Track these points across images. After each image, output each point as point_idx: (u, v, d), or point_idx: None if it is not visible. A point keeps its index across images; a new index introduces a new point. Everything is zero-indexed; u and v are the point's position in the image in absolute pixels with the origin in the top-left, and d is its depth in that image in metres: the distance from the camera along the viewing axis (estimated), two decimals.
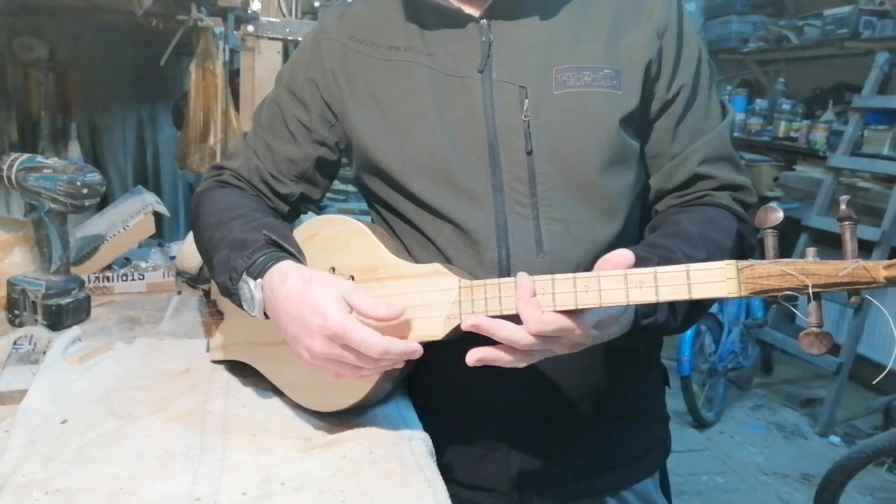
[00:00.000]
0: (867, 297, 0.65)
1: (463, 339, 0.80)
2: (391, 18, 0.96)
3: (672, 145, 0.93)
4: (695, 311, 0.87)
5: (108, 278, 1.41)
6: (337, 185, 3.07)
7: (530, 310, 0.70)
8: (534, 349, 0.72)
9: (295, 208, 1.04)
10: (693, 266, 0.66)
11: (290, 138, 1.00)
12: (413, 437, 0.83)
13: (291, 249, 0.85)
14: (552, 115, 0.88)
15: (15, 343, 1.10)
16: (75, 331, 1.14)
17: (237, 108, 1.79)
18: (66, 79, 2.13)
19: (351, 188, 3.09)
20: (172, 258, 1.53)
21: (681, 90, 0.92)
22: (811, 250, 0.65)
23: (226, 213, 0.93)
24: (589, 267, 0.87)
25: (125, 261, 1.52)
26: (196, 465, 0.78)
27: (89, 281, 1.38)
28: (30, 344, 1.10)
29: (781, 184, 4.14)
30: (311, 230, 0.92)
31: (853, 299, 0.64)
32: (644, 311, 0.80)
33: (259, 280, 0.81)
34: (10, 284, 1.21)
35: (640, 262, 0.70)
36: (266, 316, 0.82)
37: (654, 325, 0.82)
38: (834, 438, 3.25)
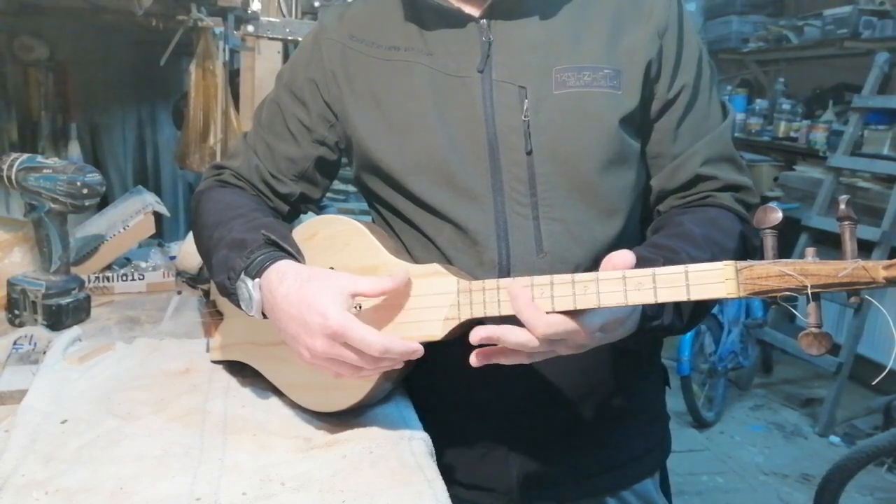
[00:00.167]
0: (867, 297, 0.65)
1: (463, 339, 0.80)
2: (391, 18, 0.96)
3: (673, 145, 0.93)
4: (699, 311, 0.87)
5: (108, 278, 1.41)
6: (337, 185, 3.07)
7: (534, 314, 0.70)
8: (538, 350, 0.72)
9: (295, 208, 1.04)
10: (692, 267, 0.66)
11: (290, 138, 1.00)
12: (413, 437, 0.83)
13: (290, 249, 0.85)
14: (552, 115, 0.88)
15: (15, 343, 1.10)
16: (75, 331, 1.14)
17: (237, 108, 1.79)
18: (66, 79, 2.13)
19: (351, 188, 3.08)
20: (172, 258, 1.53)
21: (682, 90, 0.92)
22: (810, 250, 0.65)
23: (225, 213, 0.93)
24: (589, 267, 0.87)
25: (125, 261, 1.52)
26: (196, 465, 0.78)
27: (89, 281, 1.38)
28: (30, 344, 1.10)
29: (781, 184, 4.14)
30: (310, 230, 0.92)
31: (853, 299, 0.64)
32: (650, 313, 0.80)
33: (257, 280, 0.81)
34: (10, 284, 1.21)
35: (643, 263, 0.70)
36: (264, 316, 0.82)
37: (660, 326, 0.82)
38: (834, 438, 3.25)
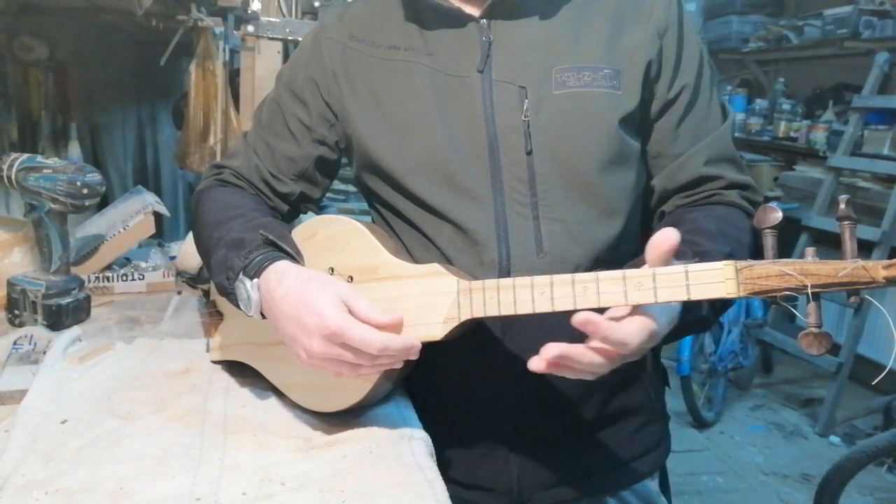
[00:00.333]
0: (867, 297, 0.65)
1: (463, 339, 0.80)
2: (391, 18, 0.96)
3: (674, 145, 0.93)
4: (726, 301, 0.85)
5: (108, 278, 1.41)
6: (337, 185, 3.07)
7: (624, 332, 0.67)
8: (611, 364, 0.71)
9: (295, 207, 1.04)
10: (692, 267, 0.66)
11: (291, 137, 1.00)
12: (413, 437, 0.83)
13: (289, 249, 0.85)
14: (552, 115, 0.88)
15: (15, 343, 1.10)
16: (75, 331, 1.14)
17: (237, 108, 1.79)
18: (66, 79, 2.13)
19: (351, 188, 3.08)
20: (172, 258, 1.53)
21: (682, 90, 0.92)
22: (810, 250, 0.65)
23: (225, 213, 0.93)
24: (589, 267, 0.87)
25: (125, 261, 1.52)
26: (196, 465, 0.78)
27: (89, 281, 1.38)
28: (30, 344, 1.10)
29: (781, 184, 4.14)
30: (310, 230, 0.92)
31: (853, 299, 0.64)
32: (689, 305, 0.78)
33: (255, 280, 0.81)
34: (10, 284, 1.21)
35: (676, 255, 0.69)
36: (263, 316, 0.82)
37: (698, 317, 0.81)
38: (834, 438, 3.25)
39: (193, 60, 1.73)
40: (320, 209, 1.15)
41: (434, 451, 0.83)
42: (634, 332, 0.68)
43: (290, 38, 1.73)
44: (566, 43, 0.90)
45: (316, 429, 0.87)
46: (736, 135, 1.36)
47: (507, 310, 0.73)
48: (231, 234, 0.87)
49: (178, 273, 1.46)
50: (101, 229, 1.47)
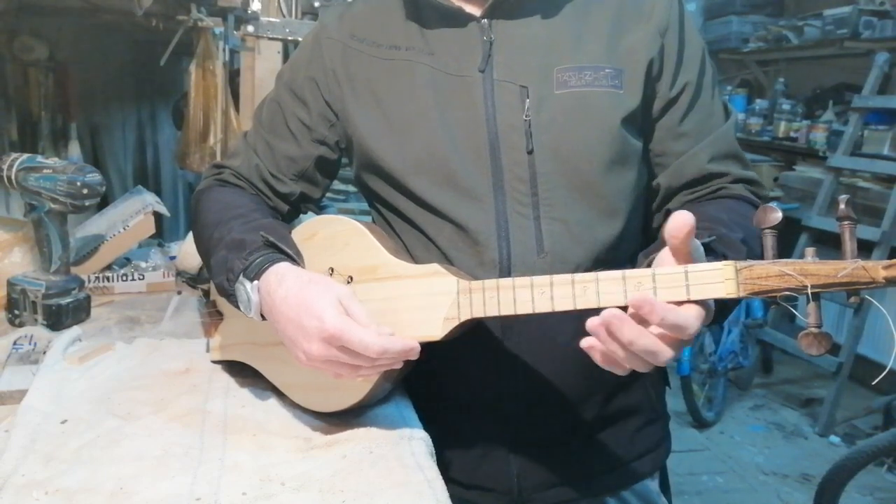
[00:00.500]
0: (867, 297, 0.65)
1: (463, 339, 0.80)
2: (392, 18, 0.96)
3: (677, 144, 0.93)
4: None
5: (108, 278, 1.41)
6: (337, 185, 3.07)
7: (683, 317, 0.65)
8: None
9: (295, 207, 1.04)
10: (691, 267, 0.66)
11: (291, 137, 1.00)
12: (413, 437, 0.83)
13: (289, 251, 0.85)
14: (553, 115, 0.88)
15: (15, 343, 1.10)
16: (75, 331, 1.14)
17: (237, 108, 1.79)
18: (66, 79, 2.13)
19: (351, 188, 3.08)
20: (172, 258, 1.53)
21: (685, 88, 0.92)
22: (810, 250, 0.65)
23: (225, 213, 0.93)
24: (589, 267, 0.87)
25: (125, 261, 1.52)
26: (196, 465, 0.78)
27: (89, 281, 1.38)
28: (30, 344, 1.10)
29: (781, 184, 4.14)
30: (310, 230, 0.92)
31: (853, 299, 0.64)
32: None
33: (255, 282, 0.81)
34: (10, 284, 1.21)
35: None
36: (263, 317, 0.82)
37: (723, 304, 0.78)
38: (834, 438, 3.25)
39: (193, 60, 1.73)
40: (320, 209, 1.15)
41: (434, 451, 0.83)
42: (694, 316, 0.65)
43: (290, 38, 1.73)
44: (567, 42, 0.90)
45: (316, 429, 0.87)
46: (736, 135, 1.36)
47: (506, 310, 0.73)
48: (231, 235, 0.87)
49: (178, 273, 1.46)
50: (101, 229, 1.47)
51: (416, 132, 0.91)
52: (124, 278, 1.42)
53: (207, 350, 1.08)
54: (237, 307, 0.85)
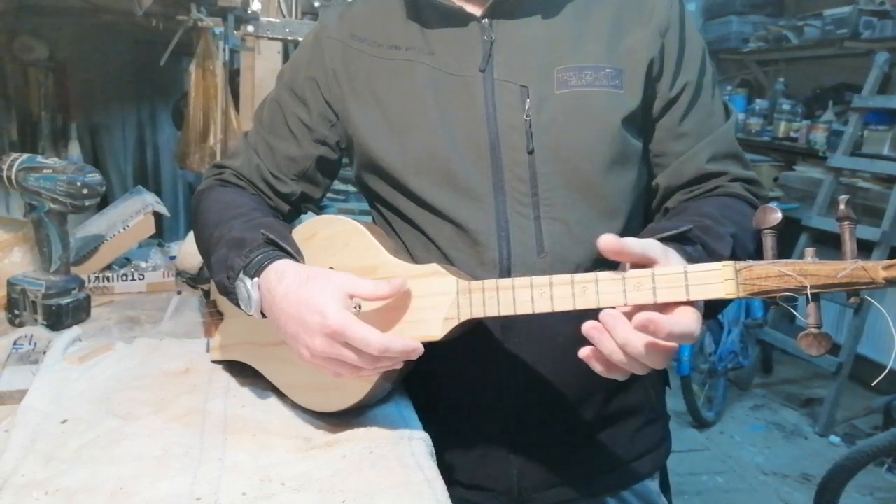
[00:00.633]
0: (866, 297, 0.65)
1: (463, 339, 0.80)
2: (392, 17, 0.96)
3: (677, 143, 0.93)
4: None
5: (108, 278, 1.41)
6: (337, 185, 3.07)
7: (681, 322, 0.66)
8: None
9: (295, 207, 1.04)
10: (691, 267, 0.66)
11: (291, 137, 1.00)
12: (413, 437, 0.83)
13: (289, 249, 0.85)
14: (554, 115, 0.88)
15: (15, 343, 1.10)
16: (75, 331, 1.14)
17: (237, 108, 1.79)
18: (66, 79, 2.13)
19: (351, 188, 3.08)
20: (172, 258, 1.54)
21: (685, 88, 0.92)
22: (810, 251, 0.65)
23: (225, 212, 0.93)
24: (589, 268, 0.87)
25: (125, 261, 1.52)
26: (196, 465, 0.78)
27: (89, 281, 1.38)
28: (30, 344, 1.10)
29: (781, 184, 4.14)
30: (310, 230, 0.92)
31: (852, 300, 0.64)
32: None
33: (256, 279, 0.81)
34: (10, 284, 1.21)
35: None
36: (263, 315, 0.82)
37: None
38: (834, 438, 3.24)
39: (193, 60, 1.73)
40: (320, 209, 1.15)
41: (434, 451, 0.83)
42: (693, 321, 0.66)
43: (290, 38, 1.73)
44: (568, 42, 0.90)
45: (316, 429, 0.87)
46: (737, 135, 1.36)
47: (506, 310, 0.73)
48: (232, 234, 0.87)
49: (178, 273, 1.46)
50: (101, 229, 1.47)
51: (417, 132, 0.91)
52: (124, 278, 1.42)
53: (207, 350, 1.08)
54: (237, 305, 0.85)
